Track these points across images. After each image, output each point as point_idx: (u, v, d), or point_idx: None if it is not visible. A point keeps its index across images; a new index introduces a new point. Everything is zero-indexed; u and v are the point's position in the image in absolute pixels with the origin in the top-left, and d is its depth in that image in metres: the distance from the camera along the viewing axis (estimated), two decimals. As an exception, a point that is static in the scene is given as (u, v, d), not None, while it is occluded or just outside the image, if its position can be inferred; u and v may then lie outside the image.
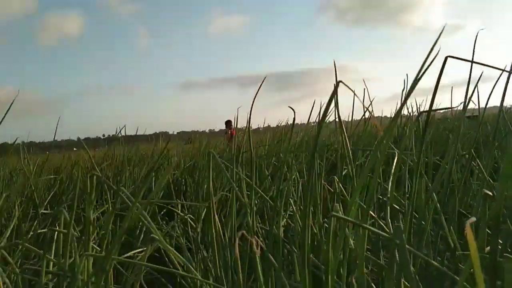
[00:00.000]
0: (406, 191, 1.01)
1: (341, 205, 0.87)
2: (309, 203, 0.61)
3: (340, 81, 0.61)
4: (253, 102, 0.77)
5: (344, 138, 0.89)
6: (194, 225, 1.26)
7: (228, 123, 7.19)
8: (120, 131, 2.37)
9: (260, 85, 0.64)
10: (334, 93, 0.58)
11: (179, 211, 1.39)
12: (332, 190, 1.05)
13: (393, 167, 0.82)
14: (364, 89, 2.28)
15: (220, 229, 0.91)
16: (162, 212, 1.63)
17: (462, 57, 0.69)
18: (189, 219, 1.27)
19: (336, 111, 0.97)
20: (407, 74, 2.03)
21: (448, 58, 0.67)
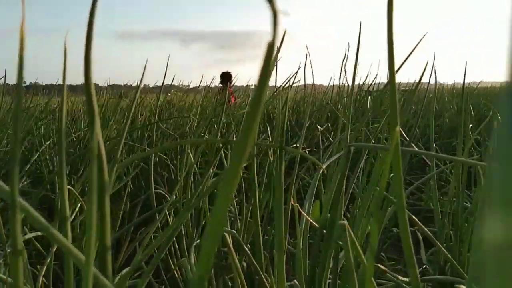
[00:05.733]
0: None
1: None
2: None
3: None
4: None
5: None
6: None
7: (226, 76, 4.65)
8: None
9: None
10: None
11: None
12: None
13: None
14: (306, 54, 2.24)
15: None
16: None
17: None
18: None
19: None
20: (349, 43, 2.02)
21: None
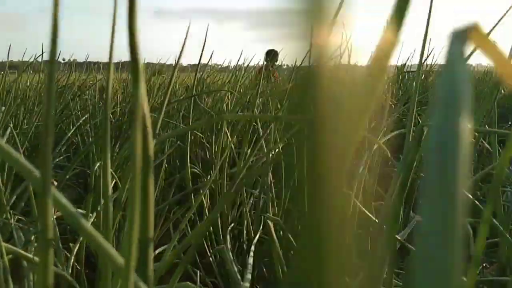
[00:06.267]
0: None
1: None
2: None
3: None
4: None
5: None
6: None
7: (272, 54, 4.28)
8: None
9: None
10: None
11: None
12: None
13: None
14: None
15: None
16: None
17: None
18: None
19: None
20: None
21: None
